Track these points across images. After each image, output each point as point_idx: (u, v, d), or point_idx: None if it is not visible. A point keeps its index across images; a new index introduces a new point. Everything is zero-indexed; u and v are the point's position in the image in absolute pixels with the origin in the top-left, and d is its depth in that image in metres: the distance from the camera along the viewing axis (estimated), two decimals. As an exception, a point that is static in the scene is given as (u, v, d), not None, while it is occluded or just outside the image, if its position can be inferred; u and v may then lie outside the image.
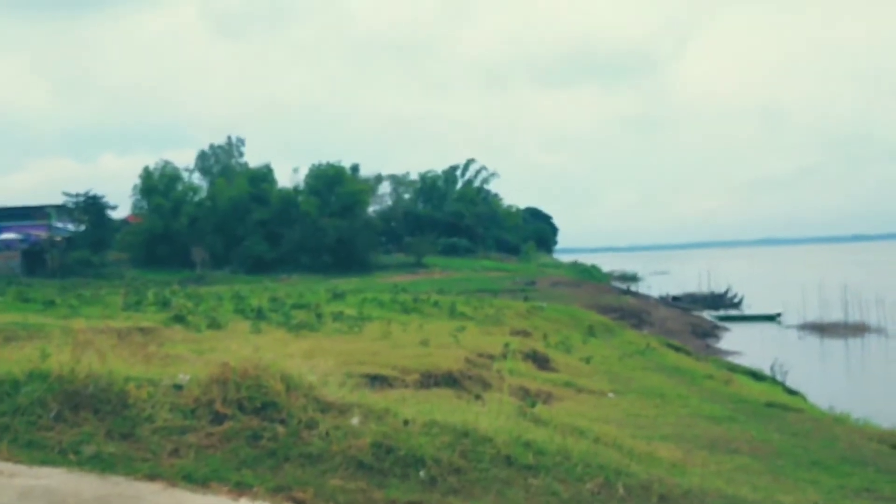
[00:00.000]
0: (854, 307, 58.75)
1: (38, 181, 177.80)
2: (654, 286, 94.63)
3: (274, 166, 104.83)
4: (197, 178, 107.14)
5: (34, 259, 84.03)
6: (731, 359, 42.44)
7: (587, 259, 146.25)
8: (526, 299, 51.36)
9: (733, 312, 72.44)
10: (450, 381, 18.11)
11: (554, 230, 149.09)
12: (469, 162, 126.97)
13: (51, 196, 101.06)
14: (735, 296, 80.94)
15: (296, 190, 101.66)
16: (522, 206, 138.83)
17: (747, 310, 74.20)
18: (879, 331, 55.97)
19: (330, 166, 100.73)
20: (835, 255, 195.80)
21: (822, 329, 57.30)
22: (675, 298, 79.33)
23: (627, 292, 77.15)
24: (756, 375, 33.27)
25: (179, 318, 28.01)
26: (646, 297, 77.40)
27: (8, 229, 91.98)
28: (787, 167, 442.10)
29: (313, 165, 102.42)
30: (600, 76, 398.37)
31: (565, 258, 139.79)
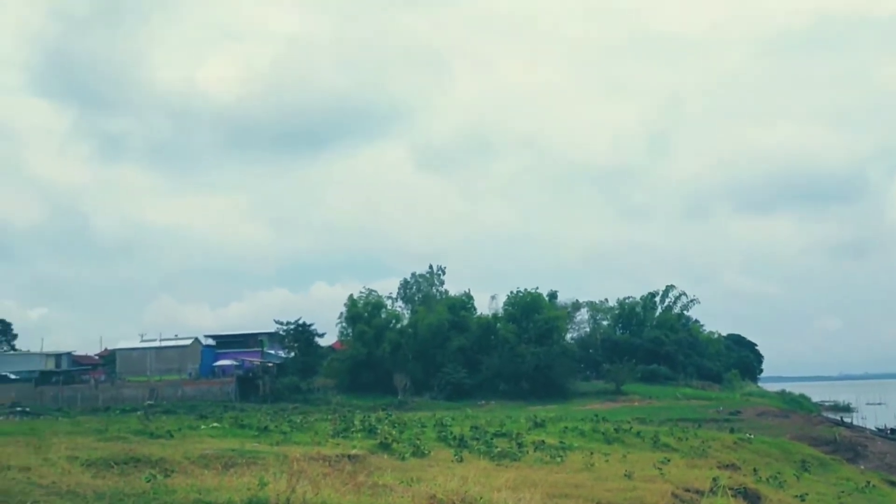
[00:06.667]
0: None
1: (255, 310, 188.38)
2: (870, 418, 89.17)
3: (473, 294, 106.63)
4: (399, 306, 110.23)
5: (248, 385, 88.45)
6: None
7: (795, 388, 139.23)
8: (732, 430, 49.51)
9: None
10: (656, 517, 17.73)
11: (758, 358, 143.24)
12: (668, 288, 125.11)
13: (265, 324, 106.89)
14: (963, 430, 74.74)
15: (494, 317, 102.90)
16: (724, 332, 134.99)
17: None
18: None
19: (527, 293, 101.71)
20: None
21: None
22: (894, 431, 74.07)
23: (841, 424, 72.74)
24: None
25: (385, 446, 28.72)
26: (861, 430, 72.80)
27: (225, 356, 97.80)
28: None
29: (511, 293, 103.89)
30: (804, 201, 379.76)
31: (771, 387, 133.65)
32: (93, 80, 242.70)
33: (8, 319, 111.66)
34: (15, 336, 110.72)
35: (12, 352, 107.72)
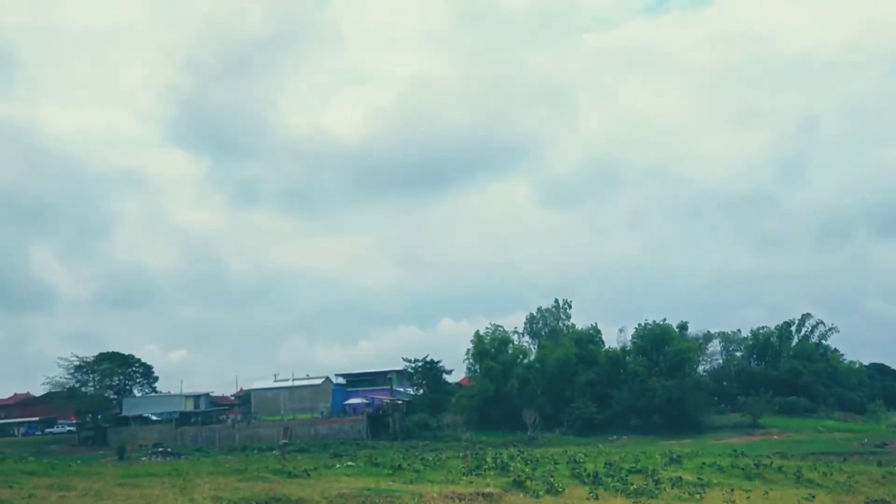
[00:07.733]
0: None
1: (383, 348, 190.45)
2: None
3: (600, 327, 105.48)
4: (526, 342, 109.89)
5: (378, 422, 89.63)
6: None
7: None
8: (879, 464, 47.31)
9: None
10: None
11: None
12: (805, 317, 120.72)
13: (393, 362, 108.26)
14: None
15: (623, 350, 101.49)
16: (866, 362, 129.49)
17: None
18: None
19: (657, 325, 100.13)
20: None
21: None
22: None
23: None
24: None
25: (519, 484, 28.53)
26: None
27: (355, 394, 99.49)
28: None
29: (640, 325, 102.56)
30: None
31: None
32: (225, 128, 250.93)
33: (150, 363, 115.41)
34: (156, 378, 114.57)
35: (154, 394, 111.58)
